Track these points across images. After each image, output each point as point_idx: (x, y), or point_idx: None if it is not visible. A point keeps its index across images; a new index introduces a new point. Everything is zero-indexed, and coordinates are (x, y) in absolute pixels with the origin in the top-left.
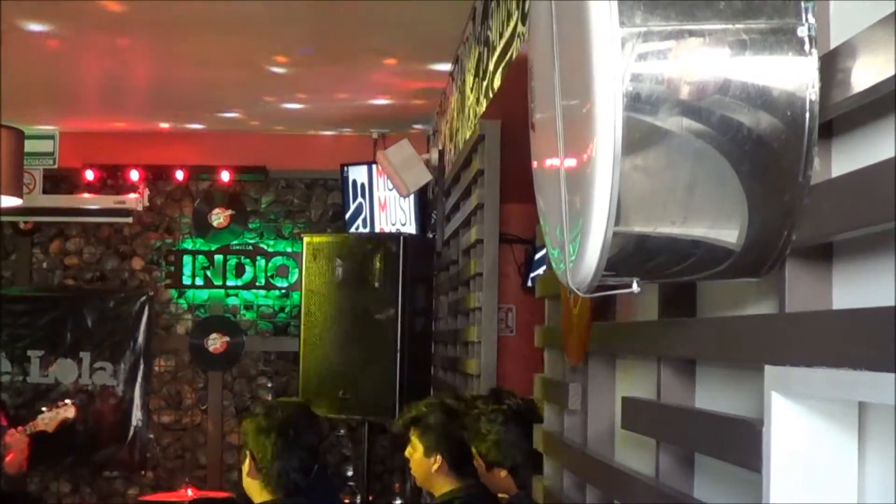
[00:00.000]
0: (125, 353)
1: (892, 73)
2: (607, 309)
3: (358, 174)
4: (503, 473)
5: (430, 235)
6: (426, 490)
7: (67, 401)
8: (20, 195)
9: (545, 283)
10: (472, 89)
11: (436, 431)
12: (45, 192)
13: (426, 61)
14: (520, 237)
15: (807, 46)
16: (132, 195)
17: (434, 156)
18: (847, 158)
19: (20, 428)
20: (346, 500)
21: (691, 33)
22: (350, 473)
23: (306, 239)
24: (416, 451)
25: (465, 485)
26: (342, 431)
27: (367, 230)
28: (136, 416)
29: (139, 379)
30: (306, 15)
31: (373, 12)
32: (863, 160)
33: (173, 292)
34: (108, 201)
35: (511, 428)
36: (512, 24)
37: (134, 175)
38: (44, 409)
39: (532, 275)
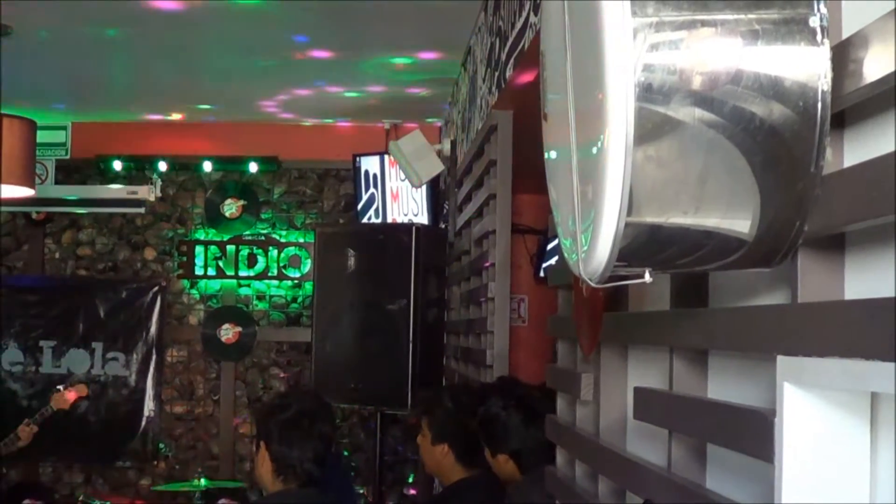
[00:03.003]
0: (137, 344)
1: None
2: (619, 299)
3: (370, 164)
4: (507, 459)
5: (443, 226)
6: (437, 478)
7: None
8: (33, 186)
9: (557, 274)
10: (484, 79)
11: (444, 420)
12: (57, 182)
13: (438, 51)
14: (532, 227)
15: (819, 36)
16: (144, 186)
17: (446, 146)
18: (859, 149)
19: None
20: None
21: (703, 23)
22: (362, 464)
23: (318, 229)
24: (425, 438)
25: (473, 474)
26: (354, 421)
27: (380, 220)
28: (149, 406)
29: (151, 369)
30: (320, 5)
31: (386, 2)
32: (875, 150)
33: (185, 283)
34: (120, 192)
35: (513, 414)
36: (524, 14)
37: (146, 165)
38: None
39: (544, 265)
